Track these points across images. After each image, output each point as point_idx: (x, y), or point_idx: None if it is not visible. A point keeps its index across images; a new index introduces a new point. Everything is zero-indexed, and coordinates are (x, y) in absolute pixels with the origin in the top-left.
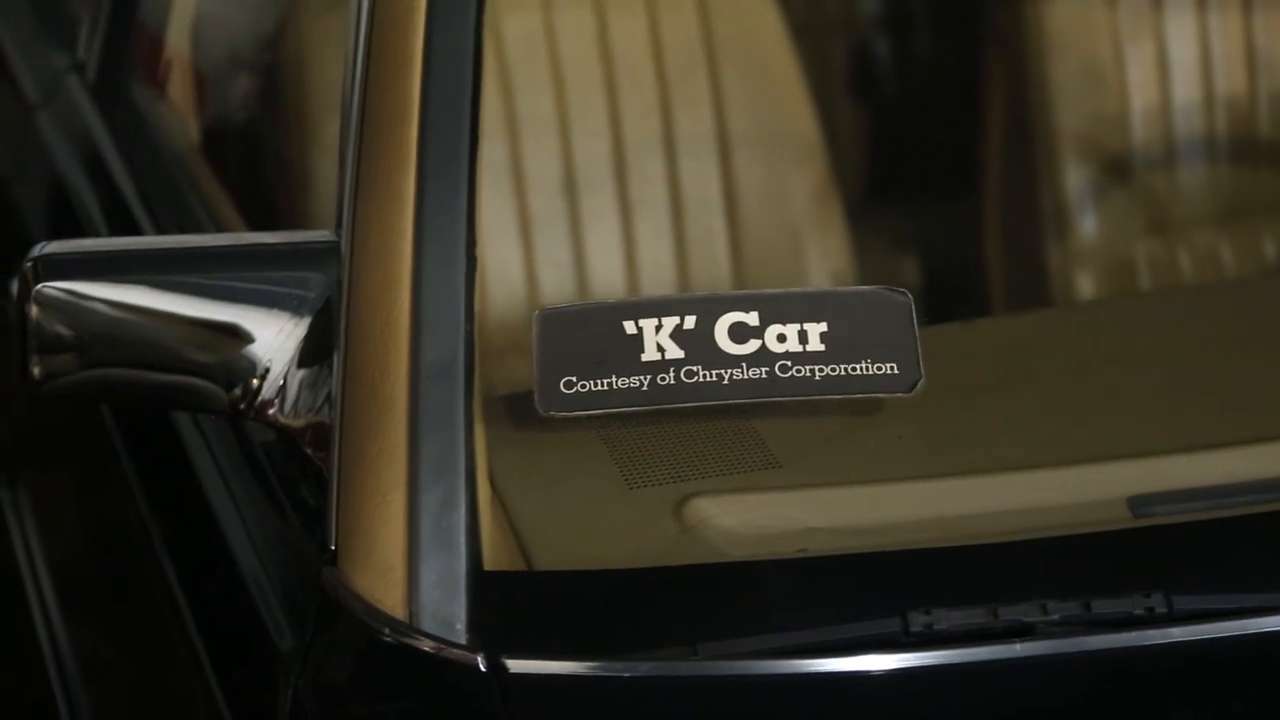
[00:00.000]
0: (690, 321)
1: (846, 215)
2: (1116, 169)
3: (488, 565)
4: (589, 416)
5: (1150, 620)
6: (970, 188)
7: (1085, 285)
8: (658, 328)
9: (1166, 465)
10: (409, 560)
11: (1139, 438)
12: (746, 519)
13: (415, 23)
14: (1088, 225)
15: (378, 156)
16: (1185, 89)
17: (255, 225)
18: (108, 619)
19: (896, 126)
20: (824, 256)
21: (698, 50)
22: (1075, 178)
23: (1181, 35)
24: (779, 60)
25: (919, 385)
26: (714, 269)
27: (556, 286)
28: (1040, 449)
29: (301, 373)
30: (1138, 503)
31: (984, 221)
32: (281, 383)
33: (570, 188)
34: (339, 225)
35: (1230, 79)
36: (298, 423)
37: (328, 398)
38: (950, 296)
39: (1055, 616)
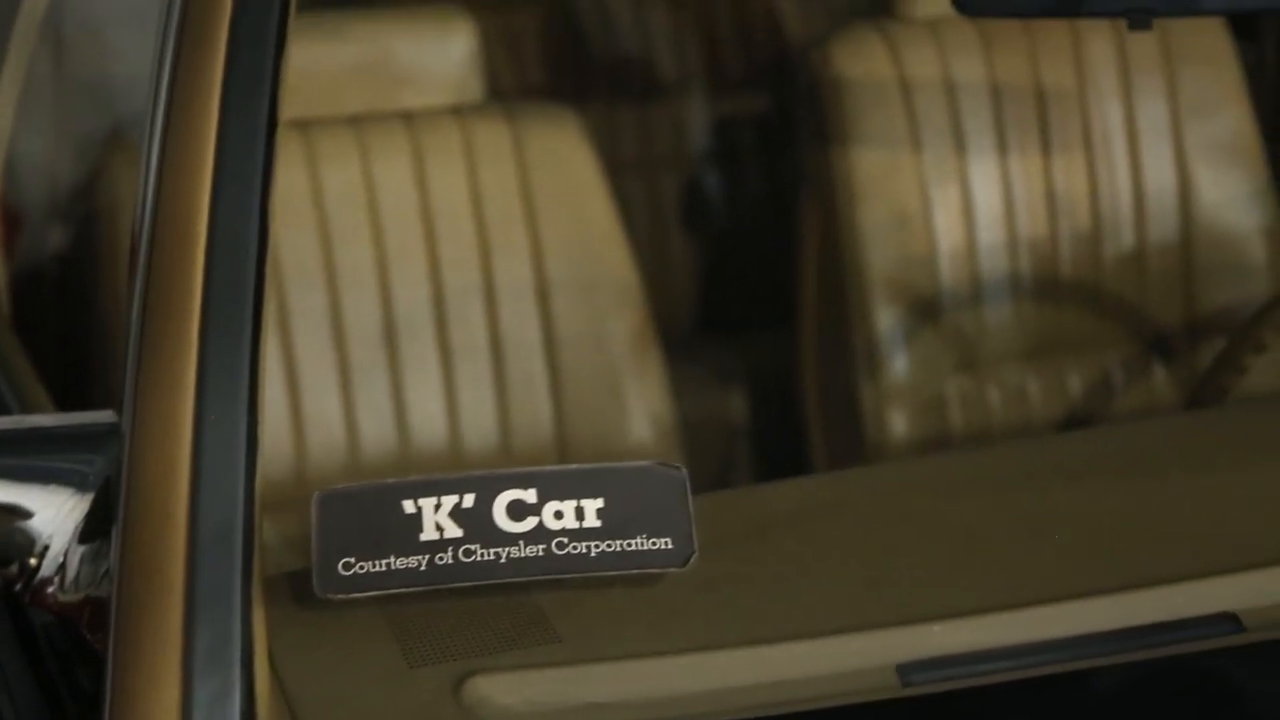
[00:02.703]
0: (469, 500)
1: (671, 353)
2: (926, 309)
3: None
4: (368, 598)
5: None
6: (788, 329)
7: (898, 423)
8: (436, 506)
9: (936, 632)
10: None
11: (912, 604)
12: (525, 696)
13: (199, 204)
14: (899, 364)
15: (159, 341)
16: (989, 231)
17: (65, 391)
18: None
19: (718, 269)
20: (643, 398)
21: (515, 198)
22: (886, 318)
23: (985, 180)
24: (596, 207)
25: (692, 560)
26: (535, 412)
27: (377, 434)
28: (817, 616)
29: (82, 549)
30: (906, 670)
31: (801, 361)
32: (61, 560)
33: (390, 335)
34: (121, 407)
35: (1032, 221)
36: (76, 599)
37: (107, 574)
38: (768, 435)
39: None
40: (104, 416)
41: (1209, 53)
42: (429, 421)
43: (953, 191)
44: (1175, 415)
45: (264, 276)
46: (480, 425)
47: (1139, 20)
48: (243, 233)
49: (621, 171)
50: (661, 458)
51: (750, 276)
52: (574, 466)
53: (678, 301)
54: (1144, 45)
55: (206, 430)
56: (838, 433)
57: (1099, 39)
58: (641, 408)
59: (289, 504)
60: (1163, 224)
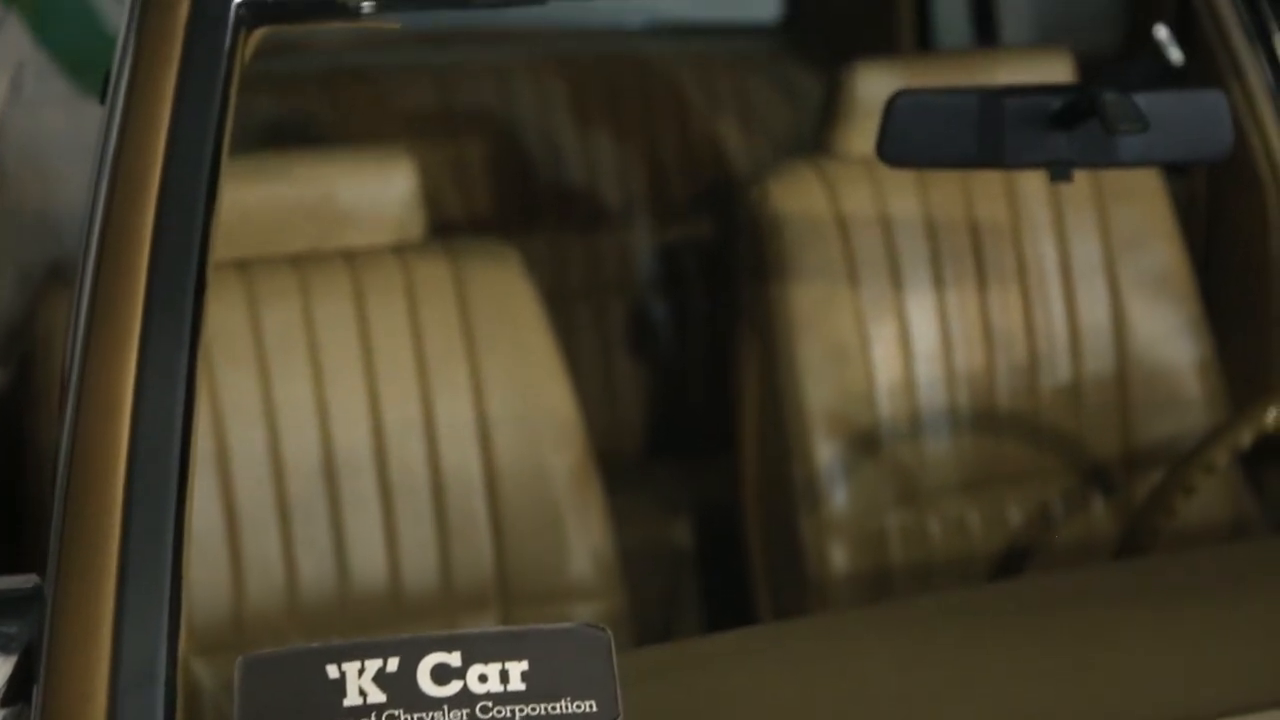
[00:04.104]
0: (393, 664)
1: (616, 480)
2: (865, 442)
3: None
4: None
5: None
6: (734, 456)
7: (839, 556)
8: (360, 671)
9: None
10: None
11: None
12: None
13: (127, 354)
14: (839, 497)
15: (84, 497)
16: (927, 365)
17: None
18: None
19: (665, 395)
20: (584, 534)
21: (456, 336)
22: (826, 451)
23: (922, 314)
24: (537, 344)
25: None
26: (476, 550)
27: (316, 573)
28: None
29: (3, 713)
30: None
31: (742, 493)
32: None
33: (330, 473)
34: (45, 570)
35: (970, 355)
36: None
37: None
38: (713, 562)
39: None
40: (26, 581)
41: (1141, 189)
42: (369, 559)
43: (890, 326)
44: (1104, 566)
45: (191, 429)
46: (421, 563)
47: (1060, 172)
48: (170, 385)
49: (568, 298)
50: (603, 594)
51: (697, 403)
52: (498, 629)
53: (624, 427)
54: (1076, 182)
55: (129, 594)
56: (779, 565)
57: (1031, 177)
58: (583, 544)
59: (226, 645)
60: (1098, 358)
